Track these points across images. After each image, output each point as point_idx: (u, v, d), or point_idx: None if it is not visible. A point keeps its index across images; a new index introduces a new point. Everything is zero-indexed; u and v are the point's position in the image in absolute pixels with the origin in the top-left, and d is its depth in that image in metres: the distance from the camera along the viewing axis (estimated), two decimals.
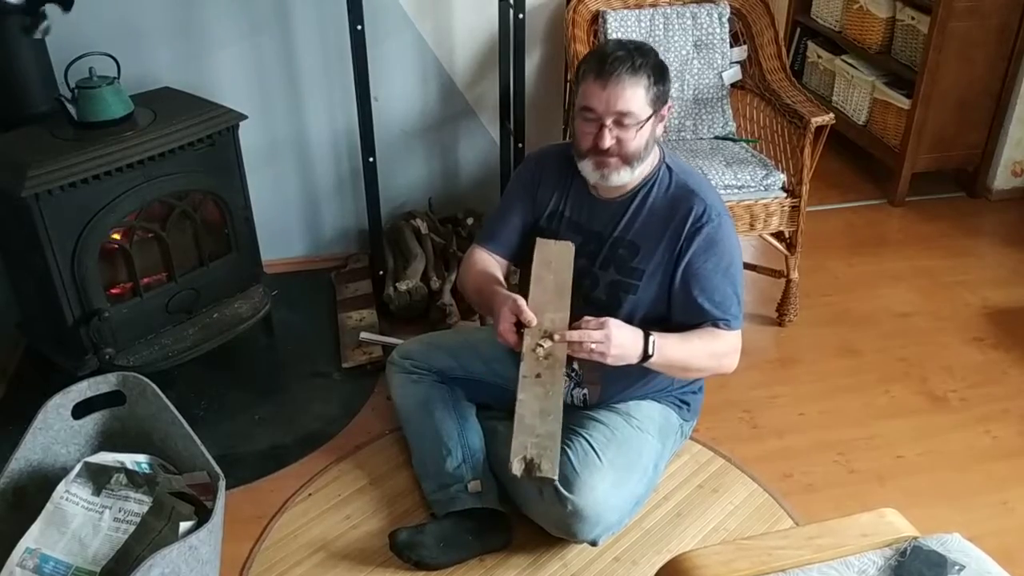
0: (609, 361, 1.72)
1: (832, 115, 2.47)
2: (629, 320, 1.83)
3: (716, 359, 1.89)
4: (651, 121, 1.78)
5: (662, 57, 1.82)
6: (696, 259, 1.83)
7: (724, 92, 2.79)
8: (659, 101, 1.79)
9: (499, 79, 2.76)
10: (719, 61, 2.77)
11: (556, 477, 1.62)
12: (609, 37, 2.67)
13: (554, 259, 1.83)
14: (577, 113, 1.82)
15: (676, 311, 1.88)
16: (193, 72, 2.58)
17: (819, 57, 3.95)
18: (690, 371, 1.93)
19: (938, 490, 2.15)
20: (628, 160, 1.80)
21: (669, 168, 1.89)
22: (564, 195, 1.95)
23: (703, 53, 2.76)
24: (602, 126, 1.76)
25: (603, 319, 1.72)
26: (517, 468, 1.59)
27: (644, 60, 1.75)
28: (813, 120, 2.44)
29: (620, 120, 1.75)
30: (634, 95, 1.74)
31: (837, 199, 3.52)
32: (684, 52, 2.74)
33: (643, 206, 1.87)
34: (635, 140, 1.78)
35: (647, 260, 1.87)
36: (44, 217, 2.00)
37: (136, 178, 2.12)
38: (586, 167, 1.84)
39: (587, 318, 1.73)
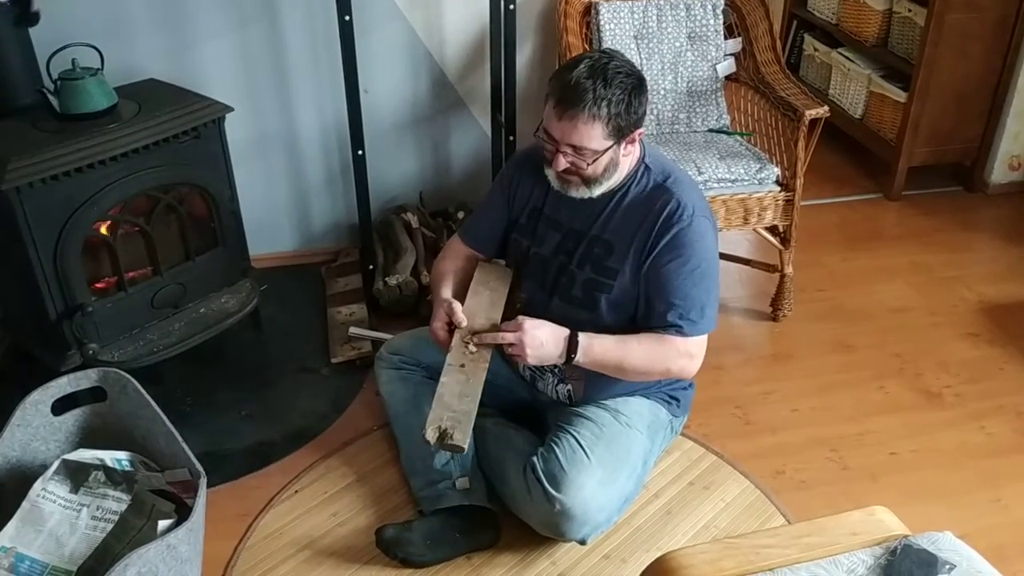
0: (529, 361, 1.78)
1: (826, 108, 2.44)
2: (604, 318, 1.86)
3: (661, 363, 1.83)
4: (611, 150, 1.74)
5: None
6: (660, 258, 1.80)
7: (718, 85, 2.76)
8: (623, 131, 1.72)
9: (490, 71, 2.73)
10: (713, 53, 2.74)
11: (466, 448, 1.68)
12: (602, 29, 2.64)
13: (492, 279, 1.97)
14: (540, 127, 1.78)
15: (638, 308, 1.86)
16: (179, 63, 2.55)
17: (816, 50, 3.92)
18: (627, 374, 1.85)
19: (931, 487, 2.12)
20: (587, 182, 1.79)
21: (648, 167, 1.85)
22: (544, 192, 1.92)
23: (697, 45, 2.72)
24: (558, 150, 1.74)
25: (520, 320, 1.78)
26: (431, 435, 1.68)
27: (608, 93, 1.66)
28: (807, 113, 2.41)
29: (576, 150, 1.73)
30: (589, 132, 1.69)
31: (832, 193, 3.49)
32: (678, 44, 2.71)
33: (619, 205, 1.84)
34: (591, 168, 1.75)
35: (621, 260, 1.84)
36: (25, 210, 1.97)
37: (120, 171, 2.09)
38: (550, 175, 1.83)
39: (514, 320, 1.79)
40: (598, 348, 1.80)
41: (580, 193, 1.81)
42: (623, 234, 1.84)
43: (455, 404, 1.72)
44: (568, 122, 1.69)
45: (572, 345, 1.78)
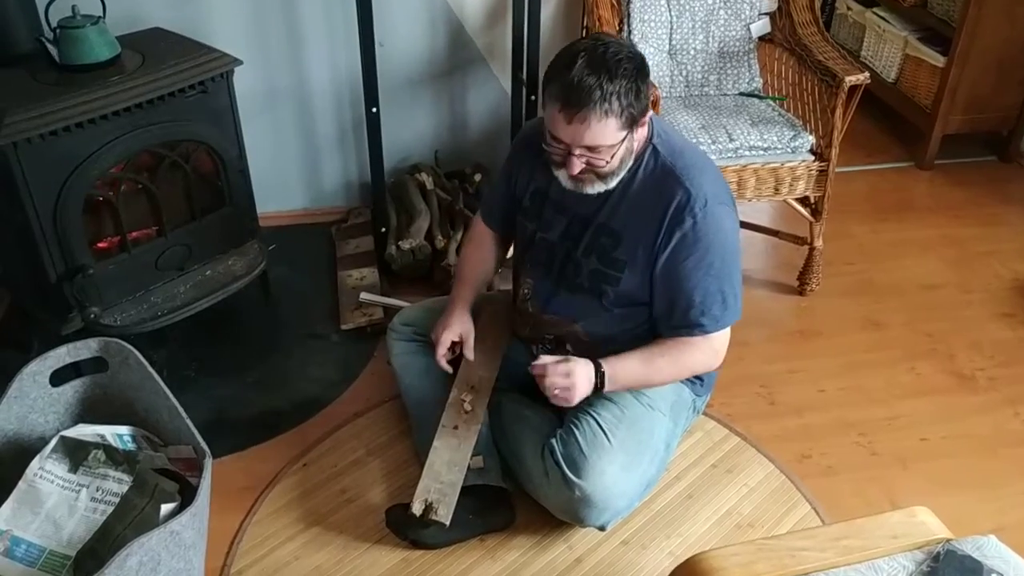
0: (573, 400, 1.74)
1: (867, 74, 2.31)
2: (611, 309, 1.80)
3: (687, 369, 1.82)
4: (626, 141, 1.63)
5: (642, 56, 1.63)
6: (675, 256, 1.70)
7: (751, 45, 2.62)
8: (636, 119, 1.61)
9: (512, 25, 2.61)
10: (747, 12, 2.59)
11: (448, 523, 1.75)
12: None
13: (497, 320, 2.01)
14: (546, 131, 1.65)
15: (656, 307, 1.78)
16: (185, 12, 2.43)
17: (849, 9, 3.75)
18: (655, 385, 1.84)
19: (964, 476, 2.04)
20: (603, 177, 1.67)
21: (656, 149, 1.72)
22: (548, 174, 1.79)
23: (730, 3, 2.58)
24: (570, 153, 1.62)
25: (568, 380, 1.72)
26: (417, 509, 1.76)
27: (614, 87, 1.54)
28: (847, 79, 2.28)
29: (590, 150, 1.61)
30: (603, 130, 1.57)
31: (862, 160, 3.36)
32: (710, 1, 2.57)
33: (627, 192, 1.73)
34: (609, 164, 1.64)
35: (629, 252, 1.74)
36: (23, 167, 1.87)
37: (123, 126, 1.99)
38: (560, 176, 1.70)
39: (543, 365, 1.73)
40: (622, 375, 1.77)
41: (595, 188, 1.69)
42: (630, 224, 1.73)
43: (444, 474, 1.78)
44: (580, 124, 1.57)
45: (600, 379, 1.75)
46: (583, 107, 1.54)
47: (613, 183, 1.70)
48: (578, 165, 1.63)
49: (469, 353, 1.87)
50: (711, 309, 1.72)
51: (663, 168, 1.71)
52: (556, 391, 1.71)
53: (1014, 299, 2.63)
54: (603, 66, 1.54)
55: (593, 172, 1.66)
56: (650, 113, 1.67)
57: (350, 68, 2.63)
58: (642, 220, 1.72)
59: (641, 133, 1.67)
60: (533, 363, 1.75)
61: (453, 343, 1.89)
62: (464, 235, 2.09)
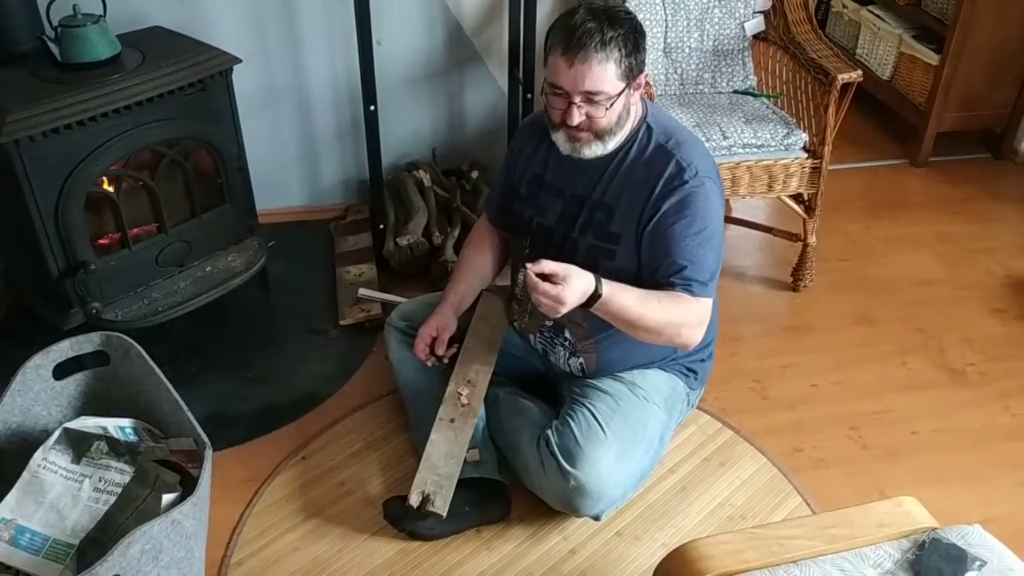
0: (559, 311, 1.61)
1: (860, 72, 2.33)
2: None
3: (675, 328, 1.71)
4: (624, 94, 1.66)
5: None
6: (665, 219, 1.70)
7: (746, 43, 2.65)
8: (633, 72, 1.66)
9: (509, 25, 2.63)
10: (742, 10, 2.62)
11: (445, 514, 1.78)
12: None
13: (494, 313, 2.00)
14: (546, 86, 1.69)
15: (644, 271, 1.75)
16: (185, 11, 2.45)
17: (844, 7, 3.78)
18: (638, 331, 1.70)
19: (954, 470, 2.07)
20: (600, 135, 1.70)
21: (650, 127, 1.76)
22: (545, 159, 1.85)
23: (725, 1, 2.61)
24: (571, 103, 1.65)
25: (558, 286, 1.58)
26: (415, 500, 1.79)
27: (615, 32, 1.61)
28: (840, 77, 2.30)
29: (590, 98, 1.64)
30: (603, 73, 1.61)
31: (857, 158, 3.38)
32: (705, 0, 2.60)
33: (620, 167, 1.76)
34: (606, 116, 1.67)
35: (623, 224, 1.75)
36: (25, 165, 1.90)
37: (123, 124, 2.02)
38: (559, 139, 1.73)
39: (544, 269, 1.59)
40: (616, 301, 1.65)
41: (593, 151, 1.72)
42: (623, 197, 1.75)
43: (440, 466, 1.81)
44: (581, 66, 1.61)
45: (594, 297, 1.64)
46: (584, 48, 1.59)
47: (610, 145, 1.72)
48: (578, 116, 1.66)
49: (441, 349, 1.88)
50: (697, 276, 1.70)
51: (656, 145, 1.74)
52: (545, 300, 1.59)
53: (1006, 295, 2.66)
54: (604, 14, 1.62)
55: (591, 130, 1.68)
56: (645, 75, 1.71)
57: (348, 66, 2.65)
58: (634, 193, 1.74)
59: (636, 96, 1.71)
60: (528, 265, 1.60)
61: (450, 340, 1.90)
62: (466, 235, 2.11)
